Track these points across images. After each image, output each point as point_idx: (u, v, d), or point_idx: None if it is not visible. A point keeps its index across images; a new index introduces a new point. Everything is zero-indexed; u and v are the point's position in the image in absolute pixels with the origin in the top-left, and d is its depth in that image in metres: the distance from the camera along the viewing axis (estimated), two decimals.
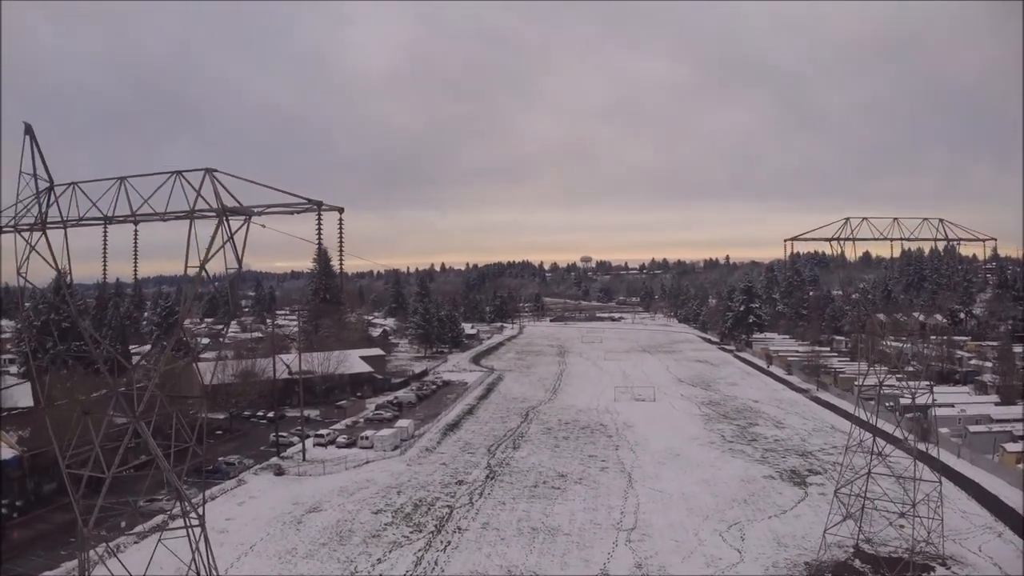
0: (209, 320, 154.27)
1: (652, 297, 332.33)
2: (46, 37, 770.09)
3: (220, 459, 65.67)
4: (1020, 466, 58.49)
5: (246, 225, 25.25)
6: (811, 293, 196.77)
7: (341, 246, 27.44)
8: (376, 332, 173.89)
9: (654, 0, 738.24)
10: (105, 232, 27.65)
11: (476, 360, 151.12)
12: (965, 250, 46.33)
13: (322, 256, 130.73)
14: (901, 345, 52.99)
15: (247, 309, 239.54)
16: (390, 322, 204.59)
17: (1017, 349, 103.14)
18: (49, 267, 25.33)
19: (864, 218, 41.03)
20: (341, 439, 75.45)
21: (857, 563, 42.19)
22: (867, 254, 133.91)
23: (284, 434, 74.81)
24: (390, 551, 45.31)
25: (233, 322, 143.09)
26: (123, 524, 45.34)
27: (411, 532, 48.78)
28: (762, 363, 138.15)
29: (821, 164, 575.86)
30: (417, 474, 63.29)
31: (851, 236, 40.92)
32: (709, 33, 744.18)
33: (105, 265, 29.21)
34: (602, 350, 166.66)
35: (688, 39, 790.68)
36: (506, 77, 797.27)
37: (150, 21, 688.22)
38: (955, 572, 40.99)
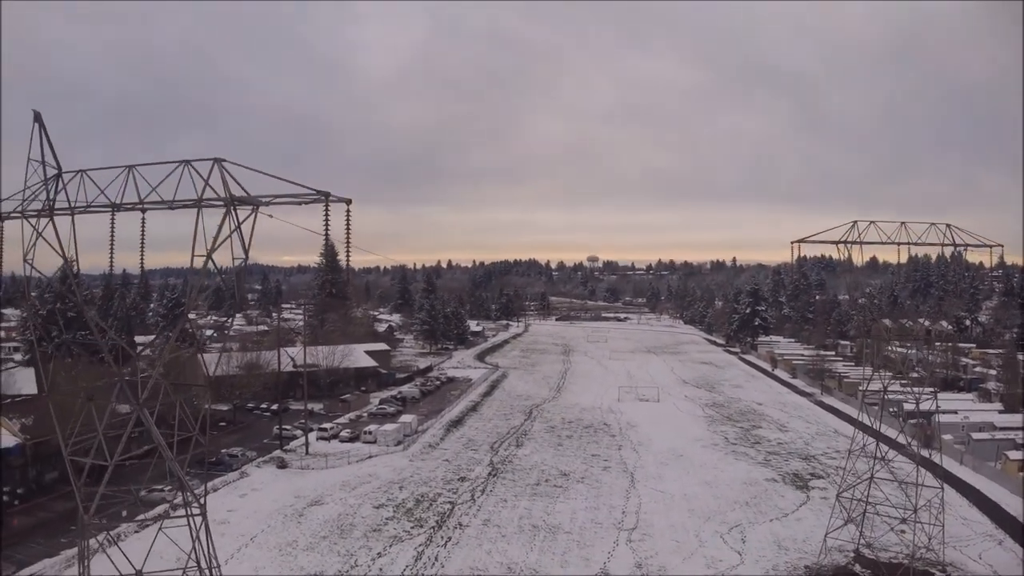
0: (215, 312, 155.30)
1: (658, 298, 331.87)
2: (62, 35, 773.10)
3: (223, 451, 65.88)
4: (1022, 474, 58.26)
5: (254, 215, 25.22)
6: (817, 297, 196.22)
7: (348, 238, 27.37)
8: (382, 327, 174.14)
9: (667, 1, 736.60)
10: (113, 219, 27.67)
11: (481, 357, 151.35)
12: (972, 257, 45.91)
13: (329, 250, 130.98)
14: (906, 351, 52.62)
15: (253, 302, 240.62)
16: (396, 318, 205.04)
17: (1022, 357, 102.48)
18: (56, 255, 25.26)
19: (872, 222, 40.85)
20: (344, 433, 75.59)
21: (857, 568, 42.12)
22: (874, 259, 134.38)
23: (288, 427, 75.08)
24: (391, 545, 45.44)
25: (239, 315, 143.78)
26: (124, 513, 45.54)
27: (412, 527, 48.89)
28: (767, 366, 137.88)
29: (830, 167, 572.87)
30: (420, 469, 63.42)
31: (859, 239, 40.74)
32: (719, 35, 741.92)
33: (112, 253, 29.27)
34: (607, 350, 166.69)
35: (698, 41, 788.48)
36: (517, 78, 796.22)
37: (162, 20, 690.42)
38: None
